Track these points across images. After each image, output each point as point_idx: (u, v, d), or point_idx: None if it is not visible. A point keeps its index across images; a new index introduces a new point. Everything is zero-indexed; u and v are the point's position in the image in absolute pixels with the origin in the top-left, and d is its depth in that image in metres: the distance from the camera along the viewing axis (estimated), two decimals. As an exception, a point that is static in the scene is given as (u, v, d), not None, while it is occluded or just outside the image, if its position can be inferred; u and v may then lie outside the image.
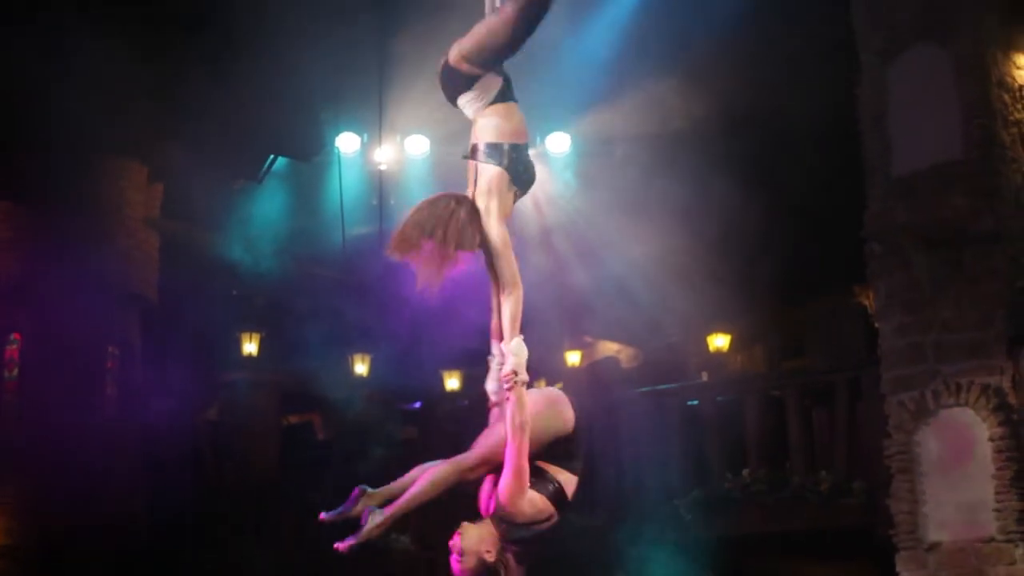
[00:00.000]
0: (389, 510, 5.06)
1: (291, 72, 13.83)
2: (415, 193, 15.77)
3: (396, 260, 5.21)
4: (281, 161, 16.62)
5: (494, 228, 5.16)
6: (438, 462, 5.14)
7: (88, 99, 13.56)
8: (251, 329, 19.29)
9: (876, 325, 11.71)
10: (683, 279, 15.24)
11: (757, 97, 13.84)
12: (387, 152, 14.99)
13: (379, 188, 15.19)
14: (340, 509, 5.11)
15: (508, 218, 5.30)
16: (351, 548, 5.02)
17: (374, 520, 5.01)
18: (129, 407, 16.14)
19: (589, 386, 16.21)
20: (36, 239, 15.57)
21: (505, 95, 5.38)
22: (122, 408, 16.06)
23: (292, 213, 17.56)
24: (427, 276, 5.19)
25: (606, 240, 15.78)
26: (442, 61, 5.41)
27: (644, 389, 13.71)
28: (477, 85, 5.34)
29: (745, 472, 12.34)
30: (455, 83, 5.39)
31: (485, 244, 5.15)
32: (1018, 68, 11.61)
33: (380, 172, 15.16)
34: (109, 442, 15.39)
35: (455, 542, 5.07)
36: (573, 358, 20.51)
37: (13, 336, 15.84)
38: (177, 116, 14.24)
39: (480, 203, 5.19)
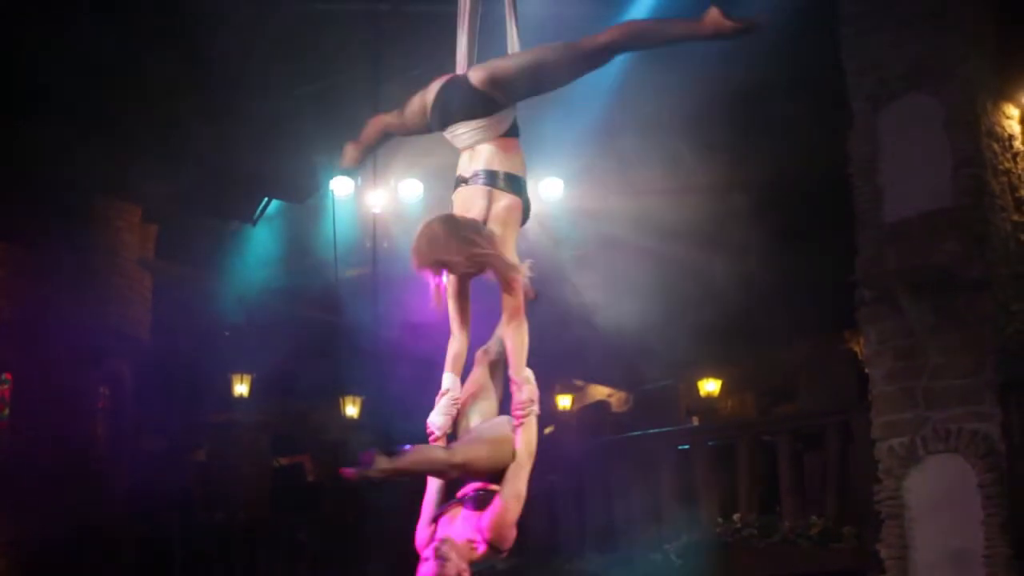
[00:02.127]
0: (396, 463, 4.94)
1: (285, 115, 13.90)
2: (409, 237, 15.84)
3: (426, 274, 5.07)
4: (275, 204, 16.67)
5: (510, 256, 5.11)
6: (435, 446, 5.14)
7: (83, 141, 13.62)
8: (242, 370, 19.28)
9: (866, 370, 11.75)
10: (674, 324, 15.28)
11: (746, 143, 13.91)
12: (381, 196, 15.05)
13: (372, 231, 15.23)
14: (363, 467, 4.94)
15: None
16: (356, 475, 4.85)
17: (382, 463, 4.86)
18: (119, 447, 16.14)
19: (579, 430, 16.20)
20: (29, 278, 15.61)
21: (517, 129, 5.35)
22: (113, 448, 16.06)
23: (285, 255, 17.59)
24: (436, 295, 5.14)
25: (598, 284, 15.83)
26: (443, 81, 5.35)
27: (634, 433, 13.70)
28: (497, 114, 5.24)
29: (736, 516, 12.32)
30: (470, 107, 5.23)
31: (498, 271, 5.04)
32: (1008, 118, 11.72)
33: (374, 216, 15.21)
34: (98, 482, 15.37)
35: (444, 549, 4.93)
36: (564, 401, 20.52)
37: (4, 376, 15.85)
38: (172, 158, 14.31)
39: (497, 230, 5.11)
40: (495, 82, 5.19)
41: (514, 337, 5.13)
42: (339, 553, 14.90)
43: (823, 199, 13.61)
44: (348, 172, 5.59)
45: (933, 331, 10.97)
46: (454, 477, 5.09)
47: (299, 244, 17.24)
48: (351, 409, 20.36)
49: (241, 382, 19.35)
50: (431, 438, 5.27)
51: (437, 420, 5.28)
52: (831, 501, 11.99)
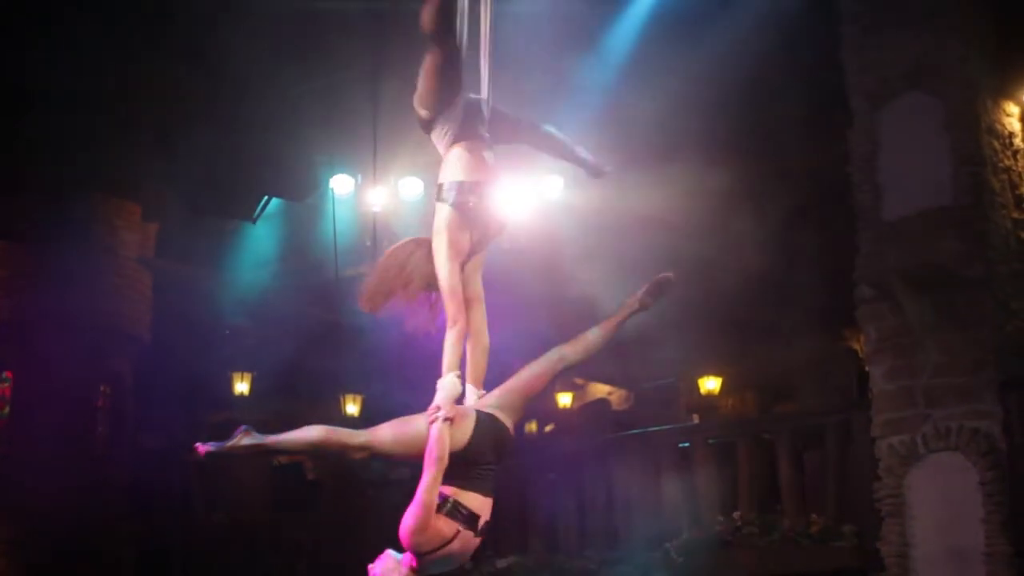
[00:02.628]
0: (262, 439, 5.40)
1: (286, 114, 13.89)
2: (409, 235, 15.83)
3: (370, 313, 5.43)
4: (275, 202, 16.66)
5: (440, 265, 5.28)
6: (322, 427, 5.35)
7: (83, 139, 13.62)
8: (242, 369, 19.27)
9: (867, 369, 11.75)
10: (675, 322, 15.27)
11: (746, 140, 13.90)
12: (381, 194, 15.04)
13: (373, 230, 15.21)
14: (221, 443, 5.41)
15: (467, 256, 5.41)
16: (208, 453, 5.32)
17: (244, 438, 5.31)
18: (120, 446, 16.14)
19: (580, 428, 16.21)
20: (29, 277, 15.60)
21: (466, 133, 5.48)
22: (112, 446, 16.06)
23: (285, 254, 17.58)
24: (415, 321, 5.29)
25: (598, 282, 15.81)
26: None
27: (635, 431, 13.71)
28: (436, 126, 5.52)
29: (736, 515, 12.33)
30: (423, 127, 5.58)
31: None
32: (1007, 115, 11.73)
33: (374, 214, 15.19)
34: (99, 480, 15.38)
35: (373, 568, 5.18)
36: (564, 399, 20.51)
37: (5, 374, 15.85)
38: (172, 156, 14.30)
39: (433, 242, 5.36)
40: (416, 101, 5.53)
41: (447, 342, 5.24)
42: (338, 552, 14.89)
43: (823, 197, 13.62)
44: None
45: (933, 329, 10.98)
46: (358, 456, 5.28)
47: (299, 243, 17.22)
48: (352, 407, 20.36)
49: (241, 380, 19.34)
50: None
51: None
52: (831, 499, 11.99)
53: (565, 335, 5.59)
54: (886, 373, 11.27)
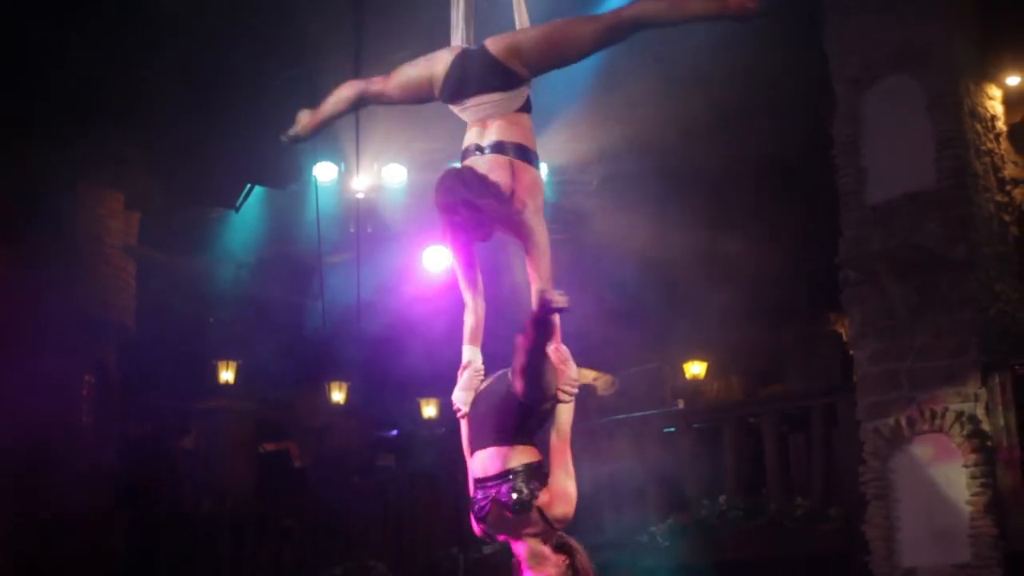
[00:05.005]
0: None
1: (267, 101, 13.85)
2: (392, 221, 15.84)
3: (446, 217, 4.99)
4: (258, 190, 16.63)
5: (540, 223, 5.01)
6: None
7: (65, 129, 13.57)
8: (228, 357, 19.25)
9: (851, 352, 11.78)
10: (660, 306, 15.29)
11: (730, 125, 13.91)
12: (364, 181, 15.01)
13: (356, 216, 15.20)
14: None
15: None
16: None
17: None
18: (105, 434, 16.10)
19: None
20: (12, 266, 15.53)
21: (530, 106, 5.28)
22: (98, 435, 16.01)
23: (269, 241, 17.56)
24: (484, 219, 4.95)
25: (582, 267, 15.82)
26: (457, 53, 5.28)
27: (620, 416, 13.71)
28: (518, 88, 5.19)
29: (722, 499, 12.34)
30: (488, 79, 5.17)
31: (529, 239, 4.98)
32: (990, 98, 11.75)
33: (357, 201, 15.18)
34: (85, 469, 15.34)
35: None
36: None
37: (-12, 363, 15.79)
38: (155, 146, 14.26)
39: (527, 200, 4.99)
40: (517, 53, 5.12)
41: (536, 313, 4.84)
42: (325, 539, 14.90)
43: (807, 181, 13.63)
44: (297, 139, 5.45)
45: (917, 312, 11.00)
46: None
47: (283, 230, 17.20)
48: (337, 395, 20.36)
49: (227, 369, 19.32)
50: (458, 415, 5.15)
51: (460, 396, 5.12)
52: (817, 482, 12.03)
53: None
54: (871, 356, 11.30)
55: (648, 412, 13.74)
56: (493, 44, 5.17)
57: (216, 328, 18.75)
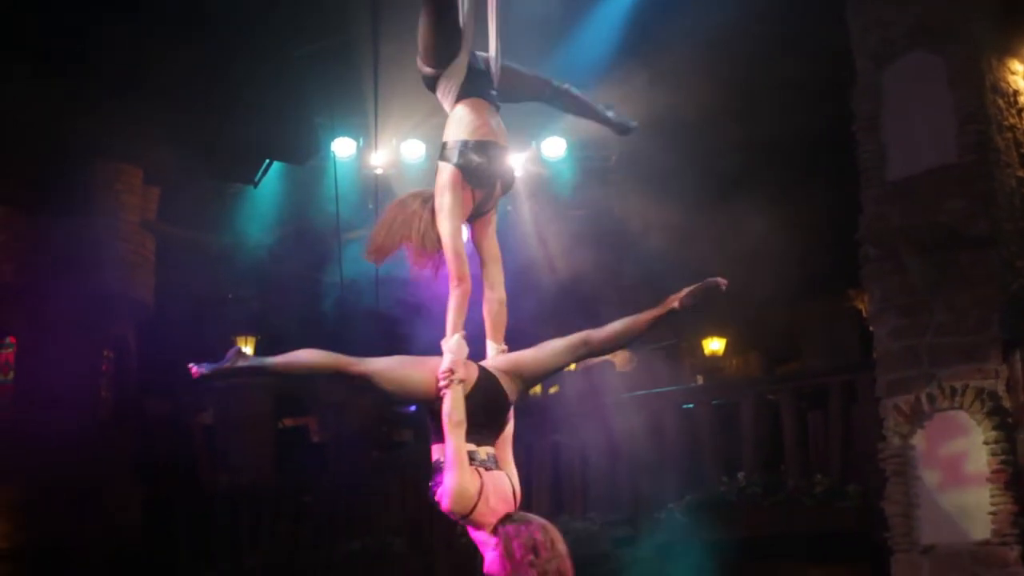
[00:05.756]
0: (259, 360, 5.27)
1: (286, 76, 13.84)
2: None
3: (374, 263, 5.37)
4: (277, 165, 16.63)
5: (443, 224, 5.21)
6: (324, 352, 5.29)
7: (84, 103, 13.57)
8: (247, 332, 19.27)
9: (871, 328, 11.73)
10: (679, 282, 15.24)
11: (750, 101, 13.86)
12: (383, 156, 15.00)
13: (375, 192, 15.20)
14: (215, 364, 5.24)
15: (472, 215, 5.35)
16: (201, 375, 5.21)
17: (238, 360, 5.16)
18: (124, 410, 16.15)
19: (584, 390, 16.19)
20: (32, 242, 15.58)
21: (469, 91, 5.40)
22: (117, 411, 16.07)
23: (288, 217, 17.56)
24: (419, 269, 5.24)
25: (601, 243, 15.80)
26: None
27: (639, 393, 13.69)
28: (440, 84, 5.42)
29: (740, 475, 12.33)
30: (426, 84, 5.48)
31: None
32: (1012, 73, 11.65)
33: (376, 176, 15.16)
34: (104, 446, 15.40)
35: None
36: (568, 361, 20.47)
37: (8, 340, 15.85)
38: (174, 120, 14.25)
39: (436, 201, 5.27)
40: (419, 56, 5.42)
41: (451, 303, 5.16)
42: (343, 514, 14.92)
43: (827, 157, 13.57)
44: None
45: (938, 288, 10.94)
46: (357, 384, 5.24)
47: (301, 205, 17.21)
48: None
49: (245, 344, 19.34)
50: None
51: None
52: (835, 459, 12.00)
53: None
54: (891, 333, 11.24)
55: (666, 389, 13.72)
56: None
57: (235, 304, 18.76)
